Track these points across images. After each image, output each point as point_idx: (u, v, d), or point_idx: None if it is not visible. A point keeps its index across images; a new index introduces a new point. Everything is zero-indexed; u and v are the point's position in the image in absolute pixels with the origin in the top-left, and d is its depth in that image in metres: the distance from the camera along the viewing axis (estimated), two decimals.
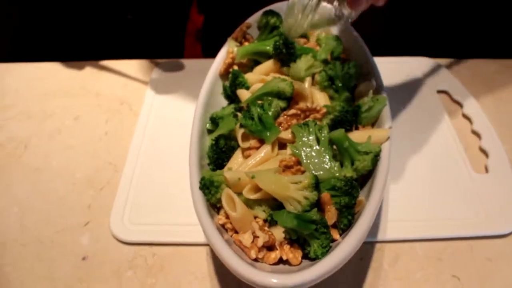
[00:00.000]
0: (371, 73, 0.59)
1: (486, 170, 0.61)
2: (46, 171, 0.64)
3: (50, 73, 0.80)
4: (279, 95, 0.53)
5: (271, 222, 0.43)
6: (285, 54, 0.57)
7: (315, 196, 0.42)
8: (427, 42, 0.83)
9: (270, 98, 0.53)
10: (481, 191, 0.58)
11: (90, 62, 0.81)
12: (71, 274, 0.53)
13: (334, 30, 0.66)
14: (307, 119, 0.51)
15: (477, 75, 0.76)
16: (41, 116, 0.72)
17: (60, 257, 0.54)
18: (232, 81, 0.57)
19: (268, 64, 0.59)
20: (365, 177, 0.49)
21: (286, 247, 0.41)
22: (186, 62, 0.80)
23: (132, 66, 0.80)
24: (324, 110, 0.52)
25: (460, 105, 0.70)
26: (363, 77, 0.60)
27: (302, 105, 0.52)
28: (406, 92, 0.72)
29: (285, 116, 0.51)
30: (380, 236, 0.54)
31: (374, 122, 0.55)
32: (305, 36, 0.64)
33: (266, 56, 0.60)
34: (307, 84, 0.56)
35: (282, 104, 0.53)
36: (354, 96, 0.59)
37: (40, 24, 0.89)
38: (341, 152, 0.47)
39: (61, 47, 0.90)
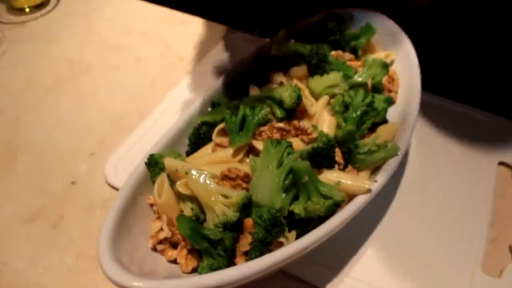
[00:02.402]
0: (405, 115, 0.52)
1: (500, 275, 0.51)
2: (91, 98, 0.71)
3: (142, 11, 0.86)
4: (280, 103, 0.50)
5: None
6: (313, 64, 0.53)
7: (234, 217, 0.40)
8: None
9: (271, 103, 0.50)
10: None
11: (180, 12, 0.85)
12: (57, 192, 0.59)
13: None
14: (293, 138, 0.48)
15: None
16: (112, 48, 0.79)
17: (57, 173, 0.61)
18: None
19: (298, 69, 0.56)
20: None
21: (184, 251, 0.41)
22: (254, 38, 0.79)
23: (207, 28, 0.82)
24: (315, 135, 0.47)
25: None
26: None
27: (296, 122, 0.49)
28: (456, 147, 0.61)
29: (271, 127, 0.48)
30: (331, 286, 0.49)
31: (375, 170, 0.49)
32: (355, 52, 0.58)
33: (302, 58, 0.57)
34: (320, 103, 0.52)
35: (279, 113, 0.50)
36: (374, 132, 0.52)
37: None
38: (300, 186, 0.43)
39: None
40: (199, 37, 0.80)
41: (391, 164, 0.47)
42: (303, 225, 0.44)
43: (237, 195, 0.40)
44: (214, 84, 0.56)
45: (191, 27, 0.82)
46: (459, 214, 0.55)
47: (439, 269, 0.51)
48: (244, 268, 0.35)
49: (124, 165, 0.60)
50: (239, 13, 0.94)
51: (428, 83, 0.58)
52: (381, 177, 0.46)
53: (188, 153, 0.51)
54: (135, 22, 0.84)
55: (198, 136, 0.50)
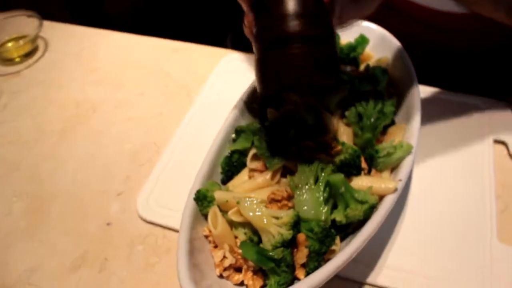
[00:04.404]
0: (410, 115, 0.57)
1: None
2: (105, 137, 0.73)
3: (134, 45, 0.89)
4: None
5: None
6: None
7: (289, 235, 0.44)
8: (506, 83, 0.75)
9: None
10: (497, 264, 0.55)
11: (169, 41, 0.88)
12: (94, 235, 0.62)
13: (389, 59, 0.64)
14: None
15: None
16: (115, 84, 0.82)
17: (91, 217, 0.64)
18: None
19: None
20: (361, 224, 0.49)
21: (249, 273, 0.45)
22: (251, 57, 0.83)
23: (203, 52, 0.85)
24: (339, 148, 0.52)
25: None
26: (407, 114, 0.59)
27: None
28: (455, 133, 0.68)
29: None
30: (371, 279, 0.55)
31: (395, 168, 0.54)
32: (356, 63, 0.63)
33: None
34: (336, 116, 0.56)
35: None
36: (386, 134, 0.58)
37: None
38: (337, 196, 0.48)
39: (154, 21, 0.98)
40: (194, 62, 0.84)
41: (408, 161, 0.53)
42: (344, 230, 0.49)
43: (287, 215, 0.45)
44: (231, 112, 0.60)
45: (184, 54, 0.85)
46: (469, 191, 0.61)
47: (460, 244, 0.57)
48: (317, 277, 0.40)
49: (154, 199, 0.64)
50: (207, 26, 0.98)
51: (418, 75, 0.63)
52: (403, 175, 0.51)
53: (223, 181, 0.55)
54: (130, 55, 0.87)
55: (231, 164, 0.54)
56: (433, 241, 0.57)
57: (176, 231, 0.61)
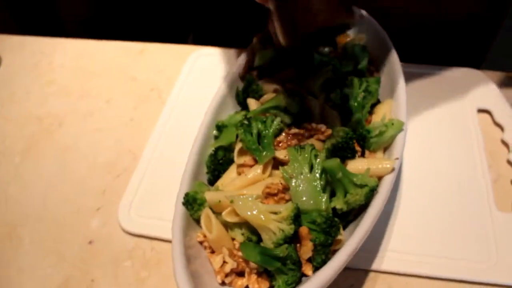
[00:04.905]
0: (394, 91, 0.55)
1: None
2: (74, 151, 0.68)
3: (94, 51, 0.83)
4: (286, 110, 0.51)
5: None
6: (303, 64, 0.55)
7: (291, 230, 0.41)
8: (478, 52, 0.75)
9: (276, 112, 0.51)
10: (500, 232, 0.53)
11: (134, 43, 0.83)
12: (77, 255, 0.57)
13: (365, 36, 0.62)
14: (309, 140, 0.50)
15: None
16: (78, 95, 0.76)
17: (70, 238, 0.58)
18: (245, 88, 0.56)
19: (286, 73, 0.57)
20: (361, 209, 0.47)
21: (254, 276, 0.41)
22: (223, 51, 0.79)
23: (170, 51, 0.81)
24: (329, 132, 0.49)
25: (501, 128, 0.64)
26: (391, 91, 0.57)
27: (307, 124, 0.50)
28: (440, 107, 0.66)
29: (287, 135, 0.50)
30: (375, 265, 0.52)
31: (387, 147, 0.52)
32: (333, 44, 0.61)
33: (286, 63, 0.58)
34: (320, 99, 0.54)
35: (287, 119, 0.51)
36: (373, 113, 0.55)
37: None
38: (334, 182, 0.45)
39: (113, 24, 0.93)
40: (161, 62, 0.79)
41: (400, 138, 0.50)
42: (345, 218, 0.47)
43: (286, 209, 0.41)
44: (209, 108, 0.56)
45: (149, 54, 0.81)
46: (461, 164, 0.60)
47: (460, 218, 0.55)
48: (328, 271, 0.37)
49: (136, 209, 0.59)
50: (168, 26, 0.94)
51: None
52: (398, 153, 0.49)
53: (211, 181, 0.52)
54: (91, 62, 0.81)
55: (217, 162, 0.51)
56: (433, 218, 0.56)
57: (165, 240, 0.57)
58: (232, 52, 0.78)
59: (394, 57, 0.58)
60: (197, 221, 0.47)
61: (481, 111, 0.66)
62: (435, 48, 0.77)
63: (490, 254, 0.52)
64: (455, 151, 0.62)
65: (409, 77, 0.70)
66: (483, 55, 0.83)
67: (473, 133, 0.63)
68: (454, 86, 0.69)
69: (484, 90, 0.68)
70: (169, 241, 0.56)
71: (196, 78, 0.75)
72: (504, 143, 0.62)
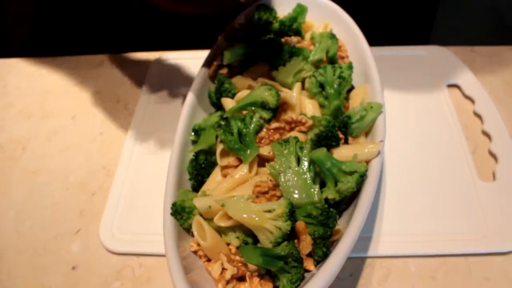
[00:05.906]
0: (368, 74, 0.55)
1: (494, 177, 0.57)
2: (42, 174, 0.64)
3: (50, 68, 0.79)
4: (263, 105, 0.50)
5: None
6: (273, 57, 0.53)
7: (288, 226, 0.40)
8: (440, 29, 0.76)
9: (254, 108, 0.50)
10: (485, 202, 0.54)
11: (91, 56, 0.79)
12: (61, 284, 0.54)
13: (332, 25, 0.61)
14: (291, 132, 0.49)
15: (494, 65, 0.69)
16: (40, 115, 0.72)
17: (51, 266, 0.55)
18: (218, 87, 0.55)
19: (257, 68, 0.56)
20: (353, 196, 0.46)
21: (256, 279, 0.40)
22: (185, 54, 0.77)
23: (131, 60, 0.78)
24: (310, 122, 0.48)
25: (472, 101, 0.65)
26: (363, 75, 0.56)
27: (286, 116, 0.49)
28: (411, 86, 0.67)
29: (268, 130, 0.48)
30: (372, 251, 0.52)
31: (368, 131, 0.52)
32: (299, 34, 0.60)
33: (256, 57, 0.57)
34: (295, 90, 0.52)
35: (266, 115, 0.50)
36: (349, 99, 0.55)
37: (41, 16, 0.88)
38: (323, 172, 0.44)
39: (64, 40, 0.89)
40: (123, 72, 0.76)
41: (381, 120, 0.50)
42: (337, 207, 0.46)
43: (279, 205, 0.40)
44: (183, 112, 0.54)
45: (109, 66, 0.78)
46: (439, 139, 0.61)
47: (445, 193, 0.56)
48: (334, 262, 0.36)
49: (119, 227, 0.57)
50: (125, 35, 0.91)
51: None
52: (381, 135, 0.49)
53: (195, 187, 0.50)
54: (48, 80, 0.77)
55: (199, 167, 0.49)
56: (419, 196, 0.56)
57: (152, 255, 0.54)
58: (197, 53, 0.75)
59: (362, 41, 0.58)
60: (187, 230, 0.45)
61: (450, 86, 0.67)
62: (385, 29, 0.78)
63: (480, 224, 0.52)
64: (432, 128, 0.62)
65: (377, 60, 0.70)
66: (428, 31, 0.84)
67: (446, 108, 0.64)
68: (422, 64, 0.70)
69: (451, 65, 0.69)
70: (157, 255, 0.54)
71: (162, 84, 0.72)
72: (477, 114, 0.64)
